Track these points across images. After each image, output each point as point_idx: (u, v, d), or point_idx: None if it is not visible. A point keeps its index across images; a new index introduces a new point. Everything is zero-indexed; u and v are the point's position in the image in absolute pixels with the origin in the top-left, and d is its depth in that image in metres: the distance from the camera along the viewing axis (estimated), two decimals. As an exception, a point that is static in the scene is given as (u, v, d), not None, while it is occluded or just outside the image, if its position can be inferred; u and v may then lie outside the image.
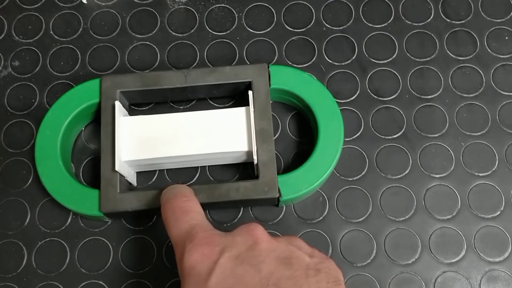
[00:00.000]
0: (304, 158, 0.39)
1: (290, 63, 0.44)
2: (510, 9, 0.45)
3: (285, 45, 0.44)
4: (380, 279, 0.39)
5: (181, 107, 0.43)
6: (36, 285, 0.39)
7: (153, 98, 0.42)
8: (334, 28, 0.45)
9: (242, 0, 0.46)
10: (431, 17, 0.45)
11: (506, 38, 0.45)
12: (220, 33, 0.45)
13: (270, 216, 0.40)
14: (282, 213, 0.40)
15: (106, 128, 0.38)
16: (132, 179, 0.40)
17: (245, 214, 0.40)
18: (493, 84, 0.43)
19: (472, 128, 0.42)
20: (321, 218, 0.40)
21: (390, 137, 0.42)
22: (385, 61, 0.44)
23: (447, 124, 0.42)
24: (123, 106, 0.39)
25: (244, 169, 0.41)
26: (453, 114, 0.42)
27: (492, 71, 0.44)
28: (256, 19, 0.45)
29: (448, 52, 0.44)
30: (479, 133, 0.42)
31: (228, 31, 0.45)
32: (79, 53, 0.44)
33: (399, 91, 0.43)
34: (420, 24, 0.45)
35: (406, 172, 0.41)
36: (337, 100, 0.41)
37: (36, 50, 0.45)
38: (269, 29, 0.45)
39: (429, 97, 0.43)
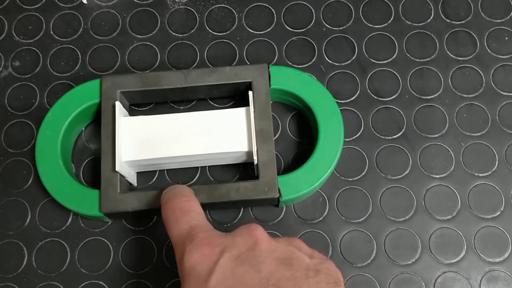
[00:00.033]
0: (304, 159, 0.39)
1: (290, 64, 0.44)
2: (510, 9, 0.45)
3: (285, 46, 0.44)
4: (380, 279, 0.39)
5: (181, 108, 0.43)
6: (36, 285, 0.39)
7: (153, 98, 0.42)
8: (334, 28, 0.45)
9: (242, 0, 0.46)
10: (431, 18, 0.45)
11: (506, 38, 0.45)
12: (220, 33, 0.45)
13: (270, 217, 0.40)
14: (282, 214, 0.40)
15: (107, 128, 0.38)
16: (133, 179, 0.40)
17: (245, 215, 0.40)
18: (493, 85, 0.43)
19: (472, 129, 0.42)
20: (321, 219, 0.40)
21: (390, 138, 0.42)
22: (385, 62, 0.44)
23: (447, 125, 0.42)
24: (123, 106, 0.40)
25: (244, 169, 0.41)
26: (453, 115, 0.42)
27: (492, 72, 0.44)
28: (256, 19, 0.45)
29: (448, 52, 0.44)
30: (479, 134, 0.42)
31: (228, 32, 0.45)
32: (79, 53, 0.44)
33: (399, 91, 0.43)
34: (420, 24, 0.45)
35: (406, 172, 0.41)
36: (337, 100, 0.41)
37: (37, 50, 0.45)
38: (269, 29, 0.45)
39: (429, 97, 0.43)
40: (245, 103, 0.39)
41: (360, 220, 0.40)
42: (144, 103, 0.43)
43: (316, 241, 0.39)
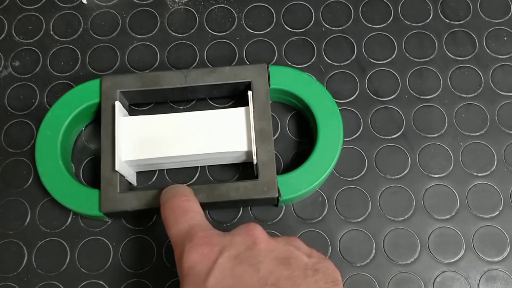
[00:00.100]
0: (303, 158, 0.39)
1: (290, 63, 0.44)
2: (508, 9, 0.45)
3: (284, 45, 0.44)
4: (379, 279, 0.39)
5: (181, 107, 0.43)
6: (36, 285, 0.39)
7: (153, 98, 0.42)
8: (334, 28, 0.45)
9: (241, 0, 0.46)
10: (430, 18, 0.45)
11: (505, 38, 0.45)
12: (220, 34, 0.45)
13: (270, 216, 0.40)
14: (282, 213, 0.40)
15: (106, 128, 0.39)
16: (132, 179, 0.40)
17: (244, 214, 0.40)
18: (492, 85, 0.43)
19: (471, 128, 0.42)
20: (320, 218, 0.40)
21: (389, 137, 0.42)
22: (384, 61, 0.44)
23: (446, 124, 0.42)
24: (123, 106, 0.40)
25: (244, 169, 0.41)
26: (452, 114, 0.42)
27: (491, 72, 0.44)
28: (256, 19, 0.45)
29: (447, 52, 0.44)
30: (478, 133, 0.42)
31: (227, 32, 0.45)
32: (79, 53, 0.44)
33: (398, 91, 0.43)
34: (419, 24, 0.45)
35: (405, 172, 0.41)
36: (336, 100, 0.41)
37: (37, 50, 0.45)
38: (268, 29, 0.45)
39: (428, 97, 0.43)
40: (245, 103, 0.39)
41: (359, 219, 0.40)
42: (144, 103, 0.43)
43: (315, 240, 0.39)
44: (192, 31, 0.45)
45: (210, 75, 0.40)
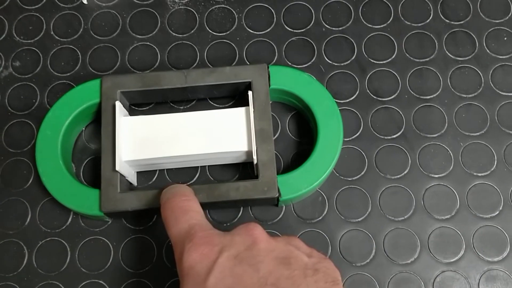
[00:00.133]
0: (303, 158, 0.39)
1: (290, 64, 0.44)
2: (508, 10, 0.46)
3: (284, 46, 0.45)
4: (379, 278, 0.39)
5: (181, 107, 0.43)
6: (36, 285, 0.39)
7: (154, 98, 0.42)
8: (334, 28, 0.45)
9: (242, 0, 0.46)
10: (430, 18, 0.45)
11: (505, 38, 0.45)
12: (220, 34, 0.45)
13: (270, 216, 0.40)
14: (282, 213, 0.40)
15: (107, 128, 0.39)
16: (133, 179, 0.40)
17: (244, 214, 0.40)
18: (491, 85, 0.43)
19: (471, 128, 0.42)
20: (320, 218, 0.40)
21: (389, 137, 0.42)
22: (384, 62, 0.44)
23: (446, 124, 0.42)
24: (123, 106, 0.40)
25: (244, 169, 0.41)
26: (452, 114, 0.42)
27: (491, 72, 0.44)
28: (256, 19, 0.45)
29: (447, 52, 0.44)
30: (478, 133, 0.42)
31: (228, 32, 0.45)
32: (79, 53, 0.44)
33: (398, 91, 0.43)
34: (419, 24, 0.45)
35: (405, 172, 0.41)
36: (336, 100, 0.41)
37: (37, 50, 0.45)
38: (269, 29, 0.45)
39: (428, 97, 0.43)
40: (245, 103, 0.39)
41: (359, 219, 0.40)
42: (144, 103, 0.43)
43: (315, 240, 0.40)
44: (192, 31, 0.45)
45: (210, 75, 0.40)
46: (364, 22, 0.45)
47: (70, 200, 0.38)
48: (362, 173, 0.41)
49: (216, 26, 0.45)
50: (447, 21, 0.45)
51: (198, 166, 0.41)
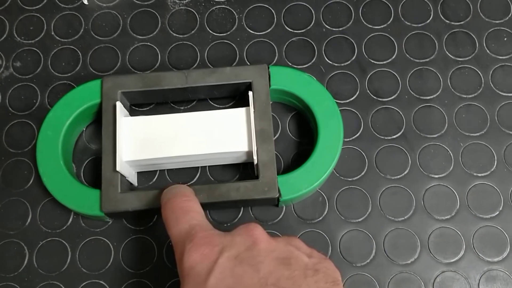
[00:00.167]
0: (304, 158, 0.39)
1: (290, 64, 0.44)
2: (508, 10, 0.46)
3: (285, 46, 0.45)
4: (379, 279, 0.39)
5: (182, 108, 0.43)
6: (37, 285, 0.39)
7: (154, 99, 0.42)
8: (334, 29, 0.45)
9: (242, 1, 0.46)
10: (430, 18, 0.45)
11: (505, 39, 0.45)
12: (221, 34, 0.45)
13: (270, 216, 0.40)
14: (282, 213, 0.40)
15: (107, 128, 0.39)
16: (133, 179, 0.40)
17: (245, 214, 0.40)
18: (492, 85, 0.43)
19: (471, 129, 0.42)
20: (320, 218, 0.40)
21: (389, 138, 0.42)
22: (384, 62, 0.44)
23: (446, 125, 0.42)
24: (124, 106, 0.40)
25: (244, 169, 0.41)
26: (452, 115, 0.43)
27: (491, 72, 0.44)
28: (256, 20, 0.45)
29: (447, 53, 0.44)
30: (478, 134, 0.42)
31: (228, 32, 0.45)
32: (80, 54, 0.45)
33: (398, 91, 0.43)
34: (420, 25, 0.45)
35: (405, 172, 0.41)
36: (336, 101, 0.41)
37: (38, 51, 0.45)
38: (269, 30, 0.45)
39: (428, 97, 0.43)
40: (245, 104, 0.39)
41: (359, 219, 0.40)
42: (145, 103, 0.43)
43: (315, 240, 0.40)
44: (193, 31, 0.45)
45: (211, 76, 0.40)
46: (364, 23, 0.45)
47: (71, 201, 0.38)
48: (362, 173, 0.41)
49: (216, 27, 0.45)
50: (447, 21, 0.45)
51: (198, 167, 0.41)
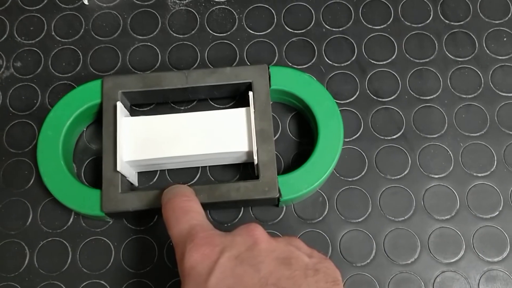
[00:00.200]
0: (304, 159, 0.39)
1: (290, 64, 0.44)
2: (508, 10, 0.46)
3: (285, 46, 0.45)
4: (379, 279, 0.39)
5: (182, 108, 0.43)
6: (38, 285, 0.39)
7: (154, 99, 0.42)
8: (334, 29, 0.45)
9: (242, 1, 0.46)
10: (430, 19, 0.45)
11: (505, 39, 0.45)
12: (221, 34, 0.45)
13: (270, 216, 0.40)
14: (282, 213, 0.40)
15: (108, 128, 0.39)
16: (134, 179, 0.40)
17: (245, 214, 0.41)
18: (491, 85, 0.43)
19: (470, 129, 0.42)
20: (321, 218, 0.40)
21: (389, 138, 0.42)
22: (384, 62, 0.44)
23: (446, 125, 0.42)
24: (124, 106, 0.40)
25: (245, 169, 0.41)
26: (452, 115, 0.43)
27: (490, 72, 0.44)
28: (257, 20, 0.45)
29: (447, 53, 0.44)
30: (478, 134, 0.42)
31: (228, 32, 0.45)
32: (80, 54, 0.45)
33: (398, 92, 0.43)
34: (419, 25, 0.45)
35: (405, 172, 0.41)
36: (336, 101, 0.41)
37: (38, 51, 0.45)
38: (269, 30, 0.45)
39: (428, 98, 0.43)
40: (246, 104, 0.39)
41: (359, 220, 0.40)
42: (145, 104, 0.43)
43: (316, 240, 0.40)
44: (193, 32, 0.45)
45: (211, 76, 0.40)
46: (364, 23, 0.45)
47: (71, 201, 0.38)
48: (363, 173, 0.41)
49: (216, 27, 0.45)
50: (447, 21, 0.45)
51: (199, 167, 0.41)
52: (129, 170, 0.39)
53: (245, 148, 0.38)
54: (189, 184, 0.40)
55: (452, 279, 0.39)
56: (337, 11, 0.46)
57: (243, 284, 0.29)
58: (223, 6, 0.46)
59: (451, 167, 0.41)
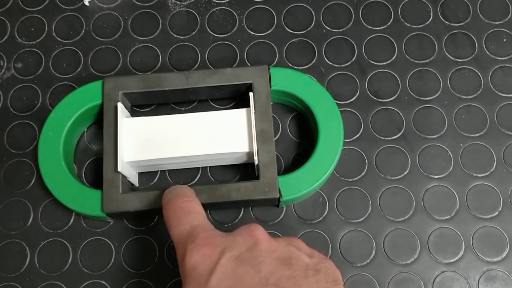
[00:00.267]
0: (304, 159, 0.39)
1: (291, 65, 0.44)
2: (508, 11, 0.46)
3: (285, 47, 0.45)
4: (379, 279, 0.39)
5: (183, 109, 0.43)
6: (38, 285, 0.39)
7: (155, 100, 0.42)
8: (334, 30, 0.45)
9: (243, 2, 0.46)
10: (430, 20, 0.45)
11: (504, 40, 0.45)
12: (221, 35, 0.45)
13: (271, 217, 0.40)
14: (283, 214, 0.41)
15: (109, 129, 0.39)
16: (134, 179, 0.41)
17: (245, 215, 0.41)
18: (491, 86, 0.44)
19: (470, 130, 0.42)
20: (321, 219, 0.40)
21: (389, 138, 0.42)
22: (384, 63, 0.44)
23: (446, 126, 0.42)
24: (125, 107, 0.40)
25: (245, 169, 0.42)
26: (451, 116, 0.43)
27: (490, 73, 0.44)
28: (257, 21, 0.46)
29: (446, 54, 0.44)
30: (478, 134, 0.42)
31: (229, 33, 0.45)
32: (81, 55, 0.45)
33: (398, 92, 0.43)
34: (419, 26, 0.45)
35: (405, 173, 0.41)
36: (337, 102, 0.41)
37: (39, 52, 0.45)
38: (269, 31, 0.45)
39: (428, 98, 0.43)
40: (246, 104, 0.40)
41: (359, 220, 0.40)
42: (146, 104, 0.43)
43: (316, 241, 0.40)
44: (193, 33, 0.45)
45: (212, 77, 0.40)
46: (364, 24, 0.45)
47: (72, 201, 0.38)
48: (363, 174, 0.41)
49: (217, 28, 0.45)
50: (446, 22, 0.45)
51: (199, 167, 0.42)
52: (130, 170, 0.39)
53: (245, 148, 0.38)
54: (189, 184, 0.40)
55: (451, 279, 0.39)
56: (337, 12, 0.46)
57: (243, 284, 0.29)
58: (224, 7, 0.46)
59: (451, 168, 0.41)
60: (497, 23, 0.45)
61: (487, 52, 0.45)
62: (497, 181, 0.41)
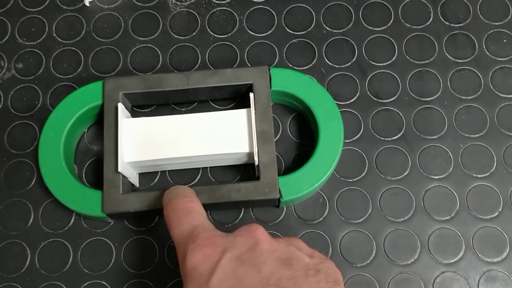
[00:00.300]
0: (304, 160, 0.39)
1: (291, 66, 0.44)
2: (508, 12, 0.46)
3: (285, 48, 0.45)
4: (379, 279, 0.39)
5: (183, 109, 0.43)
6: (39, 285, 0.39)
7: (156, 100, 0.42)
8: (334, 31, 0.45)
9: (243, 3, 0.46)
10: (430, 20, 0.46)
11: (505, 41, 0.45)
12: (222, 36, 0.45)
13: (271, 217, 0.41)
14: (283, 214, 0.41)
15: (109, 129, 0.39)
16: (135, 180, 0.41)
17: (246, 215, 0.41)
18: (491, 87, 0.44)
19: (470, 130, 0.42)
20: (321, 219, 0.40)
21: (389, 139, 0.42)
22: (384, 64, 0.44)
23: (446, 126, 0.43)
24: (125, 108, 0.40)
25: (245, 170, 0.42)
26: (451, 116, 0.43)
27: (490, 74, 0.44)
28: (257, 22, 0.46)
29: (447, 54, 0.44)
30: (478, 135, 0.42)
31: (229, 34, 0.45)
32: (82, 55, 0.45)
33: (398, 93, 0.43)
34: (419, 27, 0.45)
35: (406, 173, 0.41)
36: (337, 102, 0.41)
37: (40, 52, 0.45)
38: (270, 32, 0.45)
39: (428, 99, 0.43)
40: (246, 105, 0.40)
41: (359, 220, 0.40)
42: (146, 105, 0.43)
43: (316, 241, 0.40)
44: (194, 33, 0.45)
45: (212, 77, 0.40)
46: (365, 25, 0.45)
47: (73, 201, 0.38)
48: (363, 174, 0.41)
49: (217, 28, 0.45)
50: (447, 23, 0.45)
51: (199, 168, 0.42)
52: (130, 171, 0.39)
53: (245, 149, 0.38)
54: (190, 185, 0.40)
55: (452, 279, 0.39)
56: (338, 13, 0.46)
57: (244, 285, 0.29)
58: (224, 8, 0.46)
59: (451, 168, 0.42)
60: (497, 23, 0.45)
61: (487, 53, 0.45)
62: (497, 181, 0.41)
